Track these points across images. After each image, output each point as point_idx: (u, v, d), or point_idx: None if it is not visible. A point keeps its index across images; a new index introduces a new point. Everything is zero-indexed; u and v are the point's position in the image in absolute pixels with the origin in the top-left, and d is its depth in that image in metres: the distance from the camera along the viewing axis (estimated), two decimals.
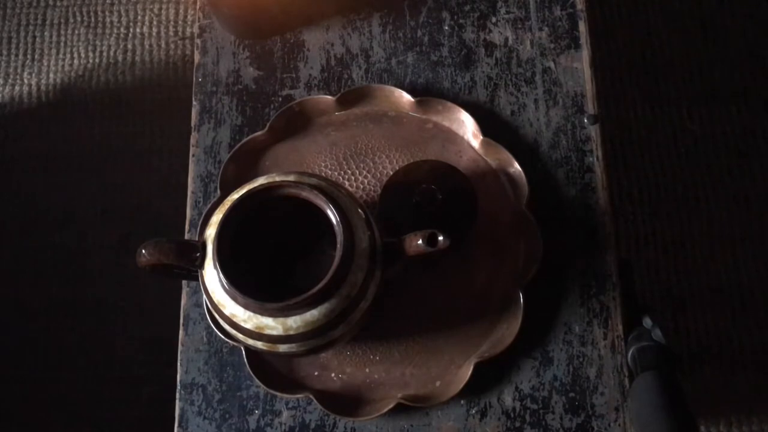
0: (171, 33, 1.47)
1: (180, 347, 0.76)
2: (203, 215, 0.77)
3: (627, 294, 0.77)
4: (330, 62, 0.85)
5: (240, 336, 0.63)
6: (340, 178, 0.79)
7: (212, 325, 0.73)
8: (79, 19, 1.49)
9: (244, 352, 0.73)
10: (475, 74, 0.83)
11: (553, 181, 0.79)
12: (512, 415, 0.73)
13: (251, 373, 0.73)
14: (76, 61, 1.47)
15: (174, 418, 0.75)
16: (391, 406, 0.71)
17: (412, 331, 0.75)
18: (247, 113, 0.83)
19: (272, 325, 0.61)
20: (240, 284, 0.61)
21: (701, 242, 1.33)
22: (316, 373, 0.74)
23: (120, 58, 1.46)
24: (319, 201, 0.62)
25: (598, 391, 0.73)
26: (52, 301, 1.34)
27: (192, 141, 0.83)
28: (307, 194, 0.63)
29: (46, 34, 1.49)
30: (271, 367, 0.74)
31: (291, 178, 0.65)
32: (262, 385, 0.73)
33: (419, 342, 0.74)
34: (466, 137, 0.80)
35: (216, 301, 0.62)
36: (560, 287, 0.76)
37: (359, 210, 0.64)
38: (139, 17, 1.48)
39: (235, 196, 0.64)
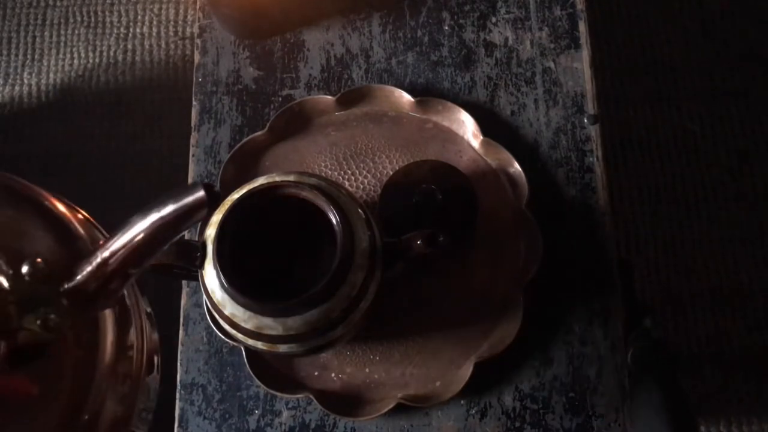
0: (171, 33, 1.47)
1: (180, 347, 0.76)
2: None
3: (627, 294, 0.77)
4: (330, 62, 0.85)
5: (240, 336, 0.63)
6: (340, 178, 0.79)
7: (212, 325, 0.73)
8: (79, 19, 1.49)
9: (244, 352, 0.73)
10: (475, 74, 0.83)
11: (553, 181, 0.79)
12: (512, 415, 0.73)
13: (251, 373, 0.73)
14: (76, 61, 1.47)
15: (174, 418, 0.75)
16: (391, 406, 0.71)
17: (412, 331, 0.75)
18: (247, 113, 0.83)
19: (272, 325, 0.61)
20: (240, 284, 0.61)
21: (701, 242, 1.33)
22: (316, 373, 0.74)
23: (120, 58, 1.46)
24: (319, 201, 0.62)
25: (598, 391, 0.73)
26: None
27: (192, 141, 0.83)
28: (307, 194, 0.63)
29: (46, 34, 1.49)
30: (271, 367, 0.74)
31: (291, 178, 0.65)
32: (262, 385, 0.73)
33: (419, 342, 0.74)
34: (466, 137, 0.80)
35: (216, 301, 0.62)
36: (560, 287, 0.76)
37: (359, 210, 0.64)
38: (139, 17, 1.48)
39: (235, 196, 0.64)
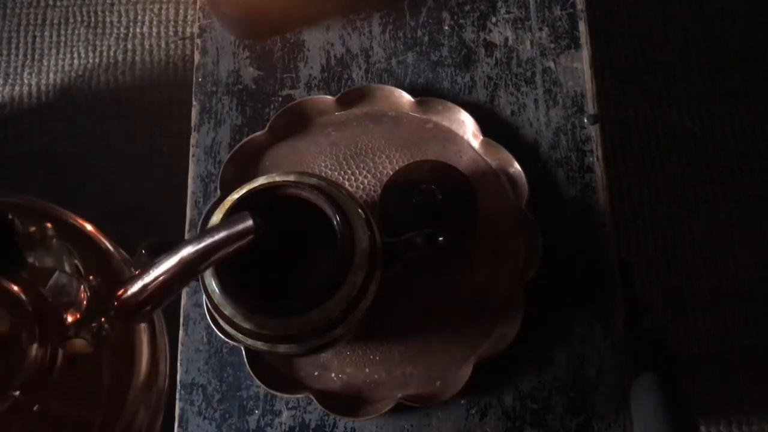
0: (171, 33, 1.47)
1: (180, 347, 0.77)
2: (203, 215, 0.77)
3: (627, 294, 0.77)
4: (330, 62, 0.85)
5: (240, 336, 0.63)
6: (340, 178, 0.79)
7: (212, 325, 0.73)
8: (79, 19, 1.49)
9: (244, 352, 0.73)
10: (475, 74, 0.83)
11: (553, 181, 0.79)
12: (512, 415, 0.73)
13: (251, 373, 0.73)
14: (76, 61, 1.47)
15: (174, 418, 0.75)
16: (391, 406, 0.71)
17: (412, 331, 0.75)
18: (247, 113, 0.83)
19: (272, 325, 0.61)
20: (240, 285, 0.61)
21: (701, 242, 1.33)
22: (316, 373, 0.74)
23: (120, 58, 1.46)
24: (320, 201, 0.62)
25: (598, 391, 0.73)
26: None
27: (192, 141, 0.83)
28: (307, 194, 0.63)
29: (46, 34, 1.49)
30: (271, 367, 0.74)
31: (291, 178, 0.65)
32: (262, 385, 0.73)
33: (419, 342, 0.74)
34: (466, 137, 0.80)
35: (216, 301, 0.62)
36: (560, 287, 0.76)
37: (359, 210, 0.64)
38: (139, 17, 1.48)
39: (235, 196, 0.64)
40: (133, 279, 0.52)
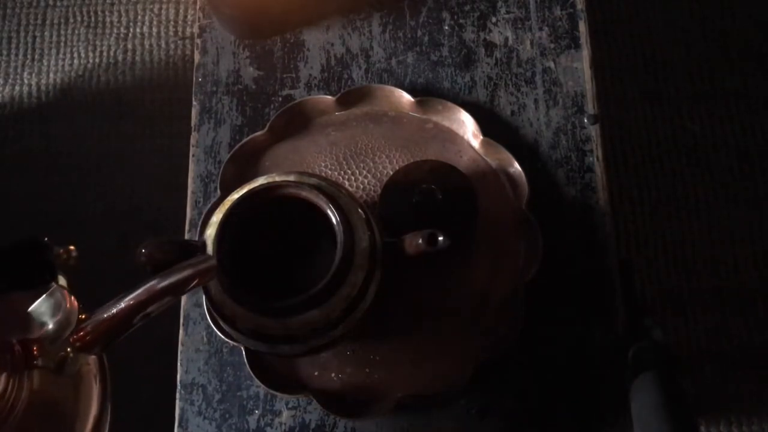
0: (171, 33, 1.47)
1: (180, 347, 0.77)
2: (203, 215, 0.77)
3: (627, 294, 0.77)
4: (330, 62, 0.85)
5: (240, 336, 0.63)
6: (340, 178, 0.79)
7: (212, 325, 0.73)
8: (79, 19, 1.49)
9: (244, 352, 0.73)
10: (475, 74, 0.83)
11: (553, 181, 0.79)
12: (512, 415, 0.73)
13: (251, 373, 0.73)
14: (76, 61, 1.47)
15: (174, 418, 0.75)
16: (391, 406, 0.71)
17: (412, 331, 0.75)
18: (247, 113, 0.84)
19: (272, 325, 0.61)
20: (240, 285, 0.61)
21: (701, 242, 1.33)
22: (316, 373, 0.74)
23: (120, 58, 1.46)
24: (319, 201, 0.62)
25: (598, 391, 0.73)
26: None
27: (192, 141, 0.83)
28: (307, 194, 0.63)
29: (46, 34, 1.49)
30: (271, 367, 0.74)
31: (291, 178, 0.65)
32: (262, 385, 0.73)
33: (419, 342, 0.74)
34: (466, 137, 0.80)
35: (216, 301, 0.62)
36: (560, 287, 0.76)
37: (359, 210, 0.64)
38: (139, 17, 1.48)
39: (235, 196, 0.64)
40: (100, 310, 0.54)
